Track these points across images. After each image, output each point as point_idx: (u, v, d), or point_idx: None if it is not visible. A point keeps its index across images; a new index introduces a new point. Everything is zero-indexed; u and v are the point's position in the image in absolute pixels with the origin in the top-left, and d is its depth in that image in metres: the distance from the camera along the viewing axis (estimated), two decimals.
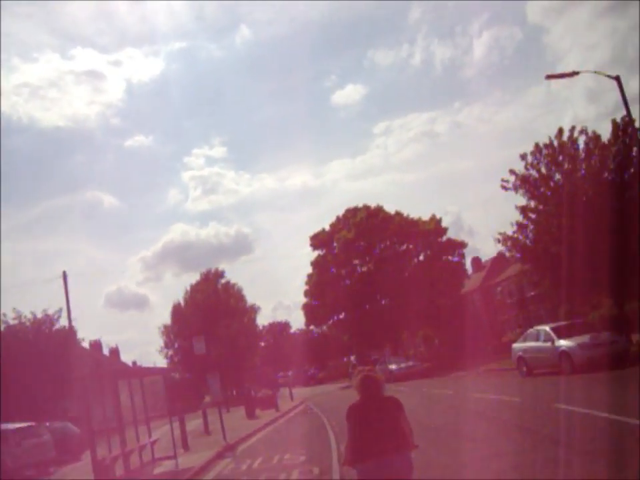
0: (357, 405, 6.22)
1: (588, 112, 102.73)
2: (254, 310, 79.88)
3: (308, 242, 59.91)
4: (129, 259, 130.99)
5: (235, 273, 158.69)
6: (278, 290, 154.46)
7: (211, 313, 71.36)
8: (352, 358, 70.17)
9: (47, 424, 25.84)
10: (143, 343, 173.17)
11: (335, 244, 57.22)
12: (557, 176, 28.05)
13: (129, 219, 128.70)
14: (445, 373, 40.85)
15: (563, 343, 22.73)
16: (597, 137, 26.97)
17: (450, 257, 55.85)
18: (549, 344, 23.45)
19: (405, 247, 56.57)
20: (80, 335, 43.66)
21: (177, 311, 75.49)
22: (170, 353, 75.35)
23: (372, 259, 56.20)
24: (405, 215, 56.94)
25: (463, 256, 57.18)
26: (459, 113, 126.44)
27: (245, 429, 26.13)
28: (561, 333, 23.52)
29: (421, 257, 56.64)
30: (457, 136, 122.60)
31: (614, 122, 26.80)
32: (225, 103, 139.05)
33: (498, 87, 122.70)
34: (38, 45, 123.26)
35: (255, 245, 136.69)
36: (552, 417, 13.69)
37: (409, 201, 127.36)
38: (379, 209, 57.02)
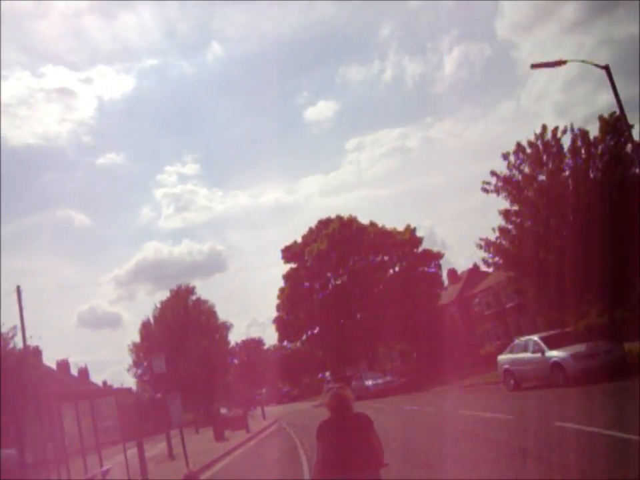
0: (326, 422, 6.18)
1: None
2: (226, 327, 78.00)
3: (280, 255, 57.95)
4: (101, 277, 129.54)
5: (209, 290, 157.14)
6: (252, 307, 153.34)
7: (181, 330, 69.24)
8: (326, 374, 68.09)
9: None
10: (115, 362, 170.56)
11: (307, 257, 55.28)
12: (542, 177, 26.42)
13: (101, 238, 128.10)
14: (424, 388, 39.04)
15: (555, 353, 20.97)
16: (584, 134, 25.40)
17: (426, 268, 54.17)
18: (538, 355, 21.68)
19: (379, 258, 54.81)
20: (50, 354, 41.59)
21: (146, 328, 73.05)
22: (139, 371, 72.72)
23: (346, 271, 54.38)
24: (380, 225, 55.25)
25: (439, 267, 55.62)
26: (430, 128, 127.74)
27: (211, 453, 24.06)
28: (551, 343, 21.76)
29: (397, 269, 54.87)
30: (429, 151, 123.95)
31: (602, 118, 25.31)
32: (197, 119, 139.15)
33: (469, 102, 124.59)
34: (8, 62, 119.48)
35: (228, 262, 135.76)
36: (555, 437, 11.92)
37: (382, 216, 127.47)
38: (352, 220, 55.29)
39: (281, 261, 58.05)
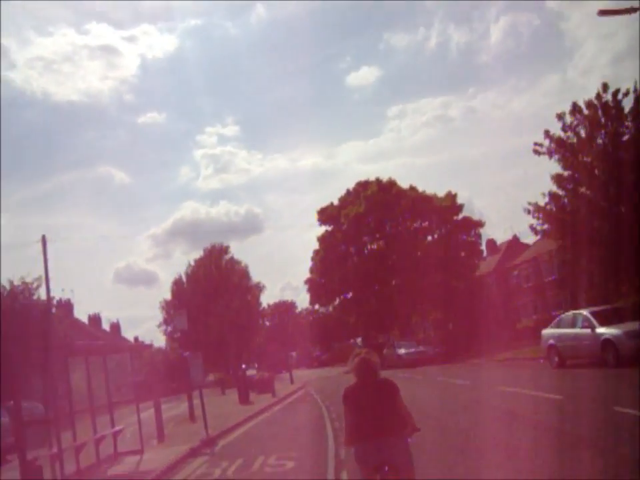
0: (353, 387, 6.23)
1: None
2: (259, 288, 77.22)
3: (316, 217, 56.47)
4: (139, 235, 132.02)
5: (245, 252, 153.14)
6: (286, 271, 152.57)
7: (212, 289, 68.66)
8: (358, 340, 66.97)
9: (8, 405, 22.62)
10: (149, 319, 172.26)
11: (343, 219, 53.74)
12: (599, 140, 24.42)
13: (140, 196, 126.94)
14: (458, 360, 37.59)
15: (606, 330, 19.26)
16: None
17: (466, 237, 52.32)
18: (588, 331, 19.98)
19: (418, 224, 53.09)
20: (85, 308, 41.35)
21: (177, 285, 72.52)
22: (169, 329, 72.21)
23: (383, 235, 52.80)
24: (420, 190, 53.39)
25: (479, 236, 53.72)
26: (473, 99, 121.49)
27: (233, 417, 22.97)
28: (602, 319, 20.00)
29: (435, 236, 53.14)
30: (471, 122, 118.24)
31: None
32: (239, 82, 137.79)
33: (514, 73, 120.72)
34: (53, 18, 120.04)
35: (265, 225, 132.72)
36: (615, 424, 10.41)
37: (421, 184, 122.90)
38: (392, 183, 53.46)
39: (317, 225, 56.63)
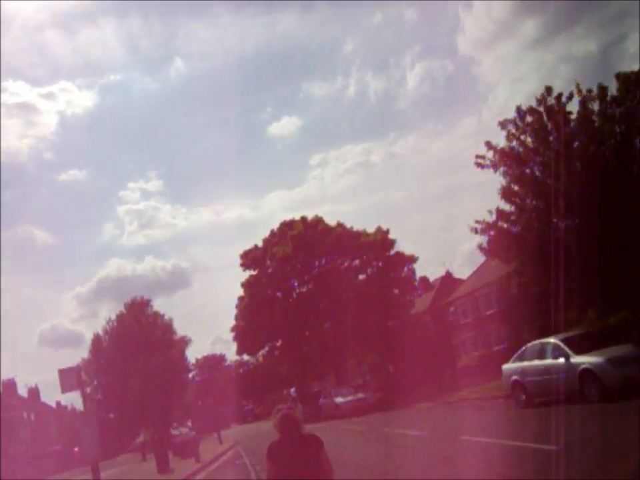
0: (276, 442, 6.07)
1: None
2: (184, 342, 72.46)
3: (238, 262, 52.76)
4: (63, 295, 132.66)
5: (173, 308, 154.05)
6: (216, 324, 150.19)
7: (133, 345, 63.90)
8: (292, 391, 62.92)
9: None
10: None
11: (268, 262, 50.27)
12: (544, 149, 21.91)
13: (63, 255, 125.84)
14: (401, 405, 34.19)
15: (585, 359, 16.25)
16: (603, 90, 20.94)
17: (399, 274, 49.57)
18: (561, 361, 16.94)
19: (347, 262, 50.03)
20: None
21: (96, 344, 67.10)
22: (89, 390, 66.46)
23: (312, 277, 49.45)
24: (348, 227, 50.53)
25: (413, 272, 51.03)
26: (394, 144, 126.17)
27: None
28: (577, 346, 17.03)
29: (368, 273, 50.16)
30: (392, 166, 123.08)
31: (621, 75, 20.94)
32: (160, 135, 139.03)
33: (432, 117, 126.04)
34: None
35: (192, 278, 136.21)
36: None
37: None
38: (318, 220, 50.39)
39: (241, 270, 52.88)
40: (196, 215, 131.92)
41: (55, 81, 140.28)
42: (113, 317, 67.34)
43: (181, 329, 70.17)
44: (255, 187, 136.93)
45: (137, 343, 64.08)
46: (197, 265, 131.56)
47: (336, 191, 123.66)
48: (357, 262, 49.98)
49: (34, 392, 77.73)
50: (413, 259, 50.93)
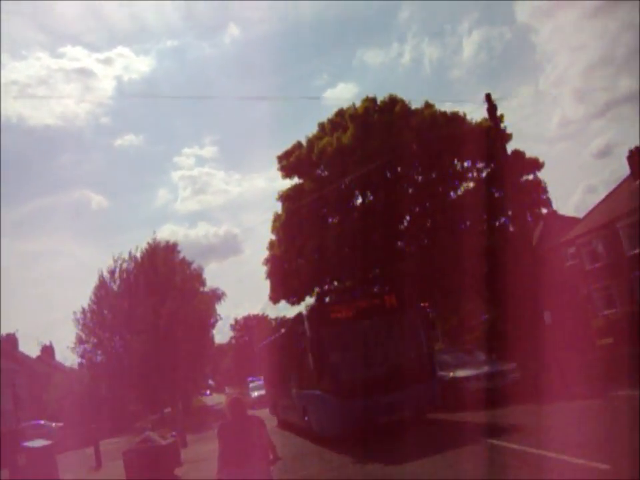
0: (226, 423, 7.51)
1: (576, 112, 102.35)
2: (216, 295, 56.90)
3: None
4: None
5: (224, 273, 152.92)
6: (266, 291, 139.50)
7: (148, 293, 48.42)
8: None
9: None
10: None
11: (316, 157, 33.08)
12: None
13: (118, 219, 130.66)
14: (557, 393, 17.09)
15: None
16: None
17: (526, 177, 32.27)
18: None
19: (446, 163, 32.65)
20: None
21: (101, 289, 50.87)
22: (85, 349, 50.24)
23: (384, 182, 32.29)
24: (442, 110, 32.95)
25: (539, 183, 33.56)
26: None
27: None
28: None
29: (469, 179, 32.89)
30: None
31: None
32: (216, 101, 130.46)
33: (487, 86, 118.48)
34: (27, 42, 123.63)
35: (244, 245, 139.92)
36: None
37: None
38: (394, 100, 33.00)
39: (280, 177, 35.82)
40: (249, 181, 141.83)
41: (112, 47, 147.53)
42: (125, 255, 50.98)
43: (231, 295, 55.87)
44: None
45: (153, 289, 48.38)
46: (248, 232, 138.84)
47: None
48: (456, 163, 32.57)
49: (47, 349, 71.57)
50: (538, 165, 33.53)
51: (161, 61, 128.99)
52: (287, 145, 35.04)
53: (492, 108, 22.19)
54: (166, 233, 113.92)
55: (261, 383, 44.30)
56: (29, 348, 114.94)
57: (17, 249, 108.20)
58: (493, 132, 29.39)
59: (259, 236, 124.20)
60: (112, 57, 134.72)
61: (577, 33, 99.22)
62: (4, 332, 66.00)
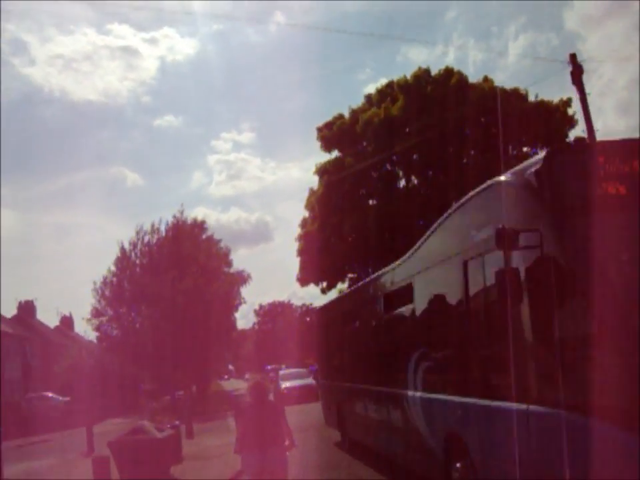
0: (246, 405, 7.75)
1: (618, 124, 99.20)
2: (242, 278, 54.14)
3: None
4: None
5: (254, 260, 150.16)
6: (294, 282, 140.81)
7: (171, 267, 45.53)
8: None
9: None
10: None
11: (361, 129, 29.95)
12: None
13: (151, 199, 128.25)
14: None
15: None
16: None
17: None
18: None
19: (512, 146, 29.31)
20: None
21: (122, 262, 47.68)
22: (103, 321, 47.35)
23: (434, 162, 29.05)
24: (501, 86, 29.73)
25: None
26: None
27: None
28: None
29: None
30: None
31: None
32: (257, 88, 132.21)
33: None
34: (74, 17, 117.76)
35: (275, 233, 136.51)
36: None
37: None
38: (450, 72, 29.79)
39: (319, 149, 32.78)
40: (284, 170, 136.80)
41: (158, 27, 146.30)
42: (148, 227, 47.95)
43: (258, 281, 53.98)
44: None
45: (174, 264, 45.52)
46: (280, 220, 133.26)
47: None
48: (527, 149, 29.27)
49: (66, 320, 70.10)
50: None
51: (206, 44, 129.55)
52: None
53: (577, 71, 18.58)
54: (198, 215, 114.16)
55: (293, 371, 37.96)
56: (49, 318, 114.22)
57: (49, 221, 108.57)
58: (560, 114, 26.28)
59: (291, 225, 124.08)
60: (157, 37, 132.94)
61: (625, 44, 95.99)
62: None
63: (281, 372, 39.98)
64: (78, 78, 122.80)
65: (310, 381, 32.66)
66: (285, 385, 33.67)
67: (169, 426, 14.81)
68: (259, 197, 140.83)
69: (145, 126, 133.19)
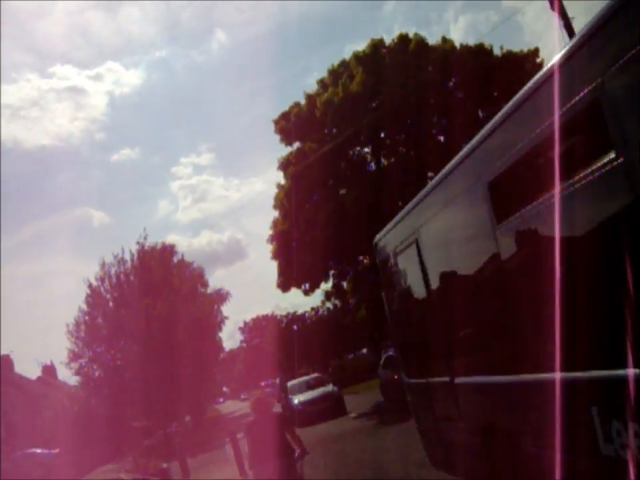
0: (251, 422, 7.79)
1: None
2: (220, 296, 52.41)
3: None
4: None
5: (232, 279, 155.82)
6: (275, 292, 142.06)
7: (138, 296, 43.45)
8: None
9: None
10: None
11: (320, 112, 27.78)
12: None
13: (121, 234, 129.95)
14: None
15: None
16: None
17: None
18: None
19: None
20: None
21: (93, 297, 45.08)
22: (82, 363, 44.53)
23: (412, 132, 27.08)
24: (465, 44, 27.70)
25: None
26: None
27: None
28: None
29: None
30: None
31: None
32: (209, 108, 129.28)
33: None
34: (14, 64, 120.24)
35: (248, 250, 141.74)
36: None
37: None
38: (404, 38, 27.77)
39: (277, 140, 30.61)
40: (248, 186, 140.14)
41: (101, 62, 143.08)
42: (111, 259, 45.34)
43: (239, 300, 53.24)
44: None
45: (145, 292, 43.34)
46: (252, 236, 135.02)
47: None
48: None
49: (48, 369, 65.59)
50: None
51: (151, 73, 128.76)
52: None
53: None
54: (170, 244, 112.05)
55: (305, 378, 32.92)
56: (30, 369, 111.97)
57: (21, 272, 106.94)
58: (530, 64, 24.52)
59: (263, 239, 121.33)
60: (102, 72, 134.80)
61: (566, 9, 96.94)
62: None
63: (289, 384, 32.85)
64: (28, 125, 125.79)
65: (331, 387, 28.74)
66: (298, 399, 28.15)
67: (152, 472, 12.54)
68: (227, 216, 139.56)
69: (103, 163, 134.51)
